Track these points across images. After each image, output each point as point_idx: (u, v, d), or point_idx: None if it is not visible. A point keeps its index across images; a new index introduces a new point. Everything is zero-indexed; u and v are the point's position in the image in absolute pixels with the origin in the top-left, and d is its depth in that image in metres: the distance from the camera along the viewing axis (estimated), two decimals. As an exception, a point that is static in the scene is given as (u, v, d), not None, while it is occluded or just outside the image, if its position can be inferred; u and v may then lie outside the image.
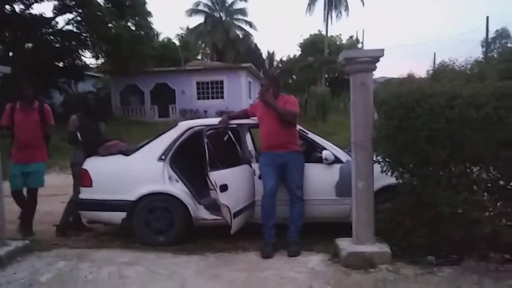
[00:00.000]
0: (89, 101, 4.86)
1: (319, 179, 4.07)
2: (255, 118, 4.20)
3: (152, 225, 4.14)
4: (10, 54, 18.43)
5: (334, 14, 35.21)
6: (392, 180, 3.53)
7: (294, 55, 42.70)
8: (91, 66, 23.58)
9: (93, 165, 4.31)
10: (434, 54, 36.62)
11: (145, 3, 19.98)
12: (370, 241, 3.40)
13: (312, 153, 4.35)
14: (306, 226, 3.92)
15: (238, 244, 3.98)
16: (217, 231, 4.08)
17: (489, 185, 3.31)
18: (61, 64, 20.45)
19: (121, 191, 4.16)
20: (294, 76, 38.54)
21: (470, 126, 3.13)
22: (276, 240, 3.77)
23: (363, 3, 35.65)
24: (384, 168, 3.48)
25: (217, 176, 3.64)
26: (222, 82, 22.59)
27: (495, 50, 38.59)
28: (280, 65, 46.01)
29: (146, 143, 4.48)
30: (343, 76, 32.83)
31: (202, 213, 4.16)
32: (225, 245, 3.98)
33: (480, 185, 3.30)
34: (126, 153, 4.40)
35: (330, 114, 19.93)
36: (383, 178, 3.56)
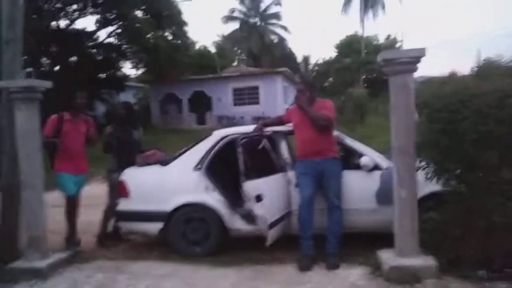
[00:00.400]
0: (118, 111, 4.97)
1: (358, 187, 3.89)
2: (291, 124, 4.10)
3: (188, 236, 4.12)
4: (56, 68, 19.39)
5: (370, 13, 34.47)
6: (437, 187, 3.32)
7: (330, 57, 42.13)
8: (131, 76, 24.41)
9: (131, 175, 4.36)
10: (478, 50, 34.84)
11: (181, 13, 20.41)
12: (414, 253, 3.20)
13: (350, 159, 4.18)
14: (346, 237, 3.75)
15: (275, 255, 3.88)
16: (253, 242, 4.00)
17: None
18: (103, 76, 21.21)
19: (158, 201, 4.17)
20: (331, 79, 37.96)
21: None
22: (314, 252, 3.64)
23: (400, 1, 34.68)
24: (429, 175, 3.28)
25: (251, 186, 3.57)
26: (257, 88, 22.60)
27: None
28: (316, 68, 45.57)
29: (183, 153, 4.49)
30: (381, 77, 32.02)
31: (238, 224, 4.09)
32: (262, 257, 3.88)
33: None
34: (163, 163, 4.42)
35: (368, 116, 19.41)
36: (427, 185, 3.36)
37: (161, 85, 22.90)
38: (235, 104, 22.95)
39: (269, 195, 3.65)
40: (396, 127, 3.25)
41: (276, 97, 22.15)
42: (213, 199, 4.11)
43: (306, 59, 50.11)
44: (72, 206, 4.47)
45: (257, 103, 22.50)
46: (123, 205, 4.31)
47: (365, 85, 31.77)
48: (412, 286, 2.98)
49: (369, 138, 10.39)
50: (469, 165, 3.04)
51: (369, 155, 3.97)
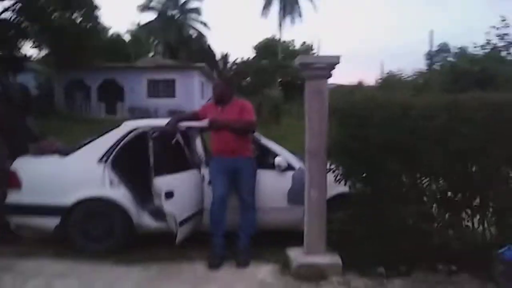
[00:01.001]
0: (12, 93, 4.41)
1: (271, 186, 3.93)
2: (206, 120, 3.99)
3: (89, 232, 3.80)
4: None
5: (288, 19, 35.66)
6: (344, 188, 3.47)
7: (248, 58, 42.80)
8: (33, 58, 22.11)
9: (23, 165, 3.90)
10: (382, 63, 38.11)
11: (92, -5, 19.04)
12: (321, 251, 3.31)
13: (265, 159, 4.21)
14: (257, 235, 3.75)
15: (185, 254, 3.72)
16: (163, 240, 3.82)
17: (438, 196, 3.34)
18: (-1, 53, 18.93)
19: (56, 194, 3.79)
20: (248, 78, 38.54)
21: (423, 137, 3.15)
22: (226, 250, 3.58)
23: (314, 9, 36.43)
24: (338, 177, 3.41)
25: (162, 182, 3.39)
26: (174, 81, 22.06)
27: (436, 63, 40.93)
28: (234, 66, 45.92)
29: (86, 144, 4.13)
30: (296, 81, 33.35)
31: (146, 220, 3.88)
32: (171, 255, 3.71)
33: (430, 197, 3.32)
34: (63, 153, 4.02)
35: (283, 118, 20.07)
36: (336, 187, 3.49)
37: (67, 70, 21.12)
38: (149, 96, 22.12)
39: (180, 191, 3.51)
40: (309, 130, 3.33)
41: (193, 91, 21.85)
42: (119, 193, 3.85)
43: (224, 57, 50.27)
44: None
45: (173, 96, 21.96)
46: (14, 197, 3.83)
47: (280, 87, 32.80)
48: (318, 284, 3.07)
49: (283, 139, 10.69)
50: (374, 169, 3.22)
51: (282, 155, 4.03)
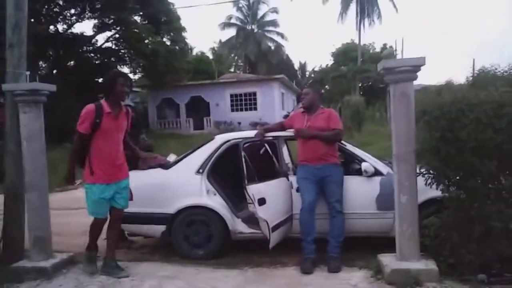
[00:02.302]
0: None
1: (359, 192, 3.96)
2: (292, 130, 4.18)
3: (190, 238, 4.17)
4: (54, 71, 19.41)
5: (366, 22, 34.73)
6: (437, 193, 3.39)
7: (327, 65, 42.48)
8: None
9: (133, 179, 4.40)
10: (473, 60, 35.18)
11: (179, 18, 20.57)
12: (415, 257, 3.26)
13: (351, 165, 4.26)
14: (348, 241, 3.81)
15: (277, 258, 3.92)
16: (255, 245, 4.05)
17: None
18: (100, 80, 21.22)
19: (161, 204, 4.22)
20: (327, 86, 38.24)
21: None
22: (316, 255, 3.69)
23: (396, 10, 35.04)
24: (429, 181, 3.35)
25: (255, 190, 3.63)
26: (255, 94, 22.78)
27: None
28: (312, 75, 45.89)
29: (184, 157, 4.54)
30: (377, 85, 32.30)
31: (240, 227, 4.15)
32: (264, 259, 3.93)
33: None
34: (165, 166, 4.47)
35: (365, 124, 19.63)
36: (427, 191, 3.43)
37: (158, 90, 23.01)
38: (232, 110, 23.10)
39: (271, 198, 3.71)
40: (396, 135, 3.32)
41: (274, 103, 22.32)
42: (215, 202, 4.17)
43: (302, 66, 50.56)
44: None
45: (255, 109, 22.67)
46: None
47: (361, 93, 32.01)
48: (412, 289, 3.04)
49: (367, 145, 10.54)
50: (468, 172, 3.11)
51: (369, 161, 4.04)
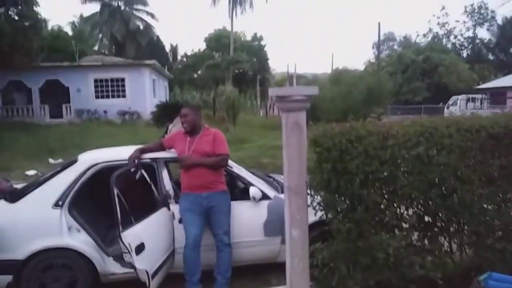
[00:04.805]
0: None
1: (247, 219, 3.73)
2: (173, 151, 3.71)
3: (48, 286, 3.41)
4: None
5: (239, 10, 35.19)
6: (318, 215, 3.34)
7: (199, 50, 42.02)
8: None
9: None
10: (332, 54, 38.80)
11: (30, -11, 17.56)
12: (306, 291, 3.16)
13: (236, 188, 3.99)
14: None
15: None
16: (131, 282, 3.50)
17: (417, 223, 3.30)
18: None
19: (5, 248, 3.34)
20: (199, 72, 37.83)
21: (402, 167, 3.09)
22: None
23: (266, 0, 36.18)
24: (317, 210, 3.27)
25: (131, 237, 3.05)
26: (123, 80, 21.04)
27: (384, 52, 42.51)
28: (184, 59, 44.84)
29: (37, 185, 3.69)
30: (248, 75, 33.22)
31: (112, 267, 3.54)
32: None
33: (411, 225, 3.27)
34: (10, 198, 3.57)
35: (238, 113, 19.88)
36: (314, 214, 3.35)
37: (4, 71, 19.51)
38: (97, 97, 20.98)
39: (150, 241, 3.19)
40: (288, 167, 3.12)
41: (145, 90, 21.00)
42: (79, 241, 3.47)
43: (174, 49, 49.04)
44: None
45: (123, 96, 21.00)
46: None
47: (234, 81, 32.48)
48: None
49: (244, 142, 10.57)
50: (356, 204, 3.10)
51: (256, 185, 3.83)
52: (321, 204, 3.24)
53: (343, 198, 3.14)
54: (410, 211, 3.31)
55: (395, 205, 3.27)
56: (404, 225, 3.29)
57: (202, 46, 41.55)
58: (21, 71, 19.24)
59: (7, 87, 20.70)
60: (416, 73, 33.95)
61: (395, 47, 45.17)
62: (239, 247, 3.65)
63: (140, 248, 3.07)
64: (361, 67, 24.66)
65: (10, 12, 17.35)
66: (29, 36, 17.30)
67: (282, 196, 3.80)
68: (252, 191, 3.72)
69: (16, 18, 17.49)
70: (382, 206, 3.19)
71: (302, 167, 3.12)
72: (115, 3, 37.17)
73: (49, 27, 28.14)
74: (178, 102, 17.84)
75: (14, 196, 3.60)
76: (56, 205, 3.48)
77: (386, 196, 3.20)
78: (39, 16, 18.57)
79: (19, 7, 17.28)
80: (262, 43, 41.16)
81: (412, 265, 3.13)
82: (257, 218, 3.75)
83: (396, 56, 36.18)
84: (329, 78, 21.97)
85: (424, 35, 42.47)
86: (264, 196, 3.80)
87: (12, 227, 3.39)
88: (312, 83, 19.02)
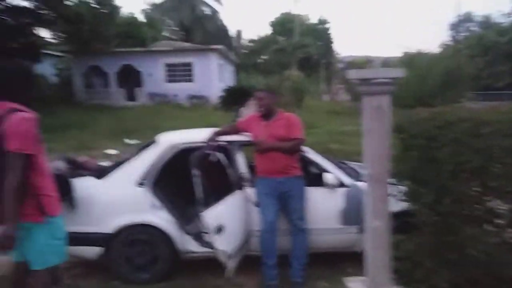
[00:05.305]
0: None
1: (322, 206, 3.66)
2: (248, 134, 3.72)
3: (133, 260, 3.61)
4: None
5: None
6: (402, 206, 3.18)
7: (265, 34, 41.94)
8: (50, 44, 21.89)
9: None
10: (403, 37, 36.68)
11: (107, -22, 18.54)
12: (386, 284, 3.04)
13: (312, 175, 3.92)
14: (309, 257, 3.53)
15: (233, 280, 3.52)
16: (209, 264, 3.61)
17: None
18: (15, 45, 18.74)
19: (96, 222, 3.59)
20: (265, 57, 37.83)
21: (496, 157, 2.82)
22: (278, 281, 3.35)
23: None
24: (402, 197, 3.12)
25: (211, 217, 3.12)
26: (191, 64, 21.58)
27: (460, 34, 39.41)
28: (250, 44, 45.03)
29: (121, 163, 3.90)
30: (313, 59, 32.60)
31: (190, 245, 3.66)
32: (219, 283, 3.52)
33: (507, 221, 3.00)
34: (98, 175, 3.80)
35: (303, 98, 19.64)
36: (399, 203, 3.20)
37: (84, 56, 20.94)
38: (167, 81, 21.78)
39: (229, 222, 3.25)
40: (370, 153, 2.99)
41: (211, 75, 21.41)
42: (161, 218, 3.62)
43: (238, 34, 49.40)
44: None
45: (191, 80, 21.59)
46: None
47: (299, 66, 32.07)
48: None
49: (312, 127, 10.38)
50: (444, 195, 2.90)
51: (332, 172, 3.73)
52: (406, 194, 3.09)
53: (429, 189, 2.96)
54: (505, 206, 3.05)
55: (487, 198, 3.02)
56: (498, 221, 3.03)
57: (267, 31, 41.50)
58: (99, 56, 20.56)
59: (87, 71, 22.18)
60: (498, 56, 31.16)
61: (473, 28, 41.73)
62: (314, 234, 3.59)
63: (219, 229, 3.14)
64: (435, 50, 22.88)
65: (89, 0, 18.45)
66: (106, 22, 18.31)
67: (358, 184, 3.71)
68: (328, 177, 3.63)
69: (95, 6, 18.57)
70: (473, 199, 2.96)
71: (384, 155, 2.98)
72: (182, -10, 38.02)
73: (123, 14, 29.60)
74: (244, 87, 18.05)
75: (101, 173, 3.82)
76: (139, 183, 3.65)
77: (477, 188, 2.97)
78: (115, 4, 19.56)
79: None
80: (327, 26, 40.15)
81: (506, 264, 2.89)
82: (333, 206, 3.66)
83: (476, 38, 33.44)
84: (400, 61, 20.82)
85: (510, 15, 38.63)
86: (340, 183, 3.70)
87: (101, 202, 3.62)
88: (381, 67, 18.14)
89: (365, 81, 2.96)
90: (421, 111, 3.10)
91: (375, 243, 3.03)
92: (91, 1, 18.60)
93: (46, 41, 21.13)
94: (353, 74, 3.02)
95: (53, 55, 24.20)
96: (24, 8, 17.69)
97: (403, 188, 3.11)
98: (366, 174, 3.06)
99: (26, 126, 2.20)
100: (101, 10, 18.58)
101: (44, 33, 19.63)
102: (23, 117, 2.21)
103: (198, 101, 20.20)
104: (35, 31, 19.08)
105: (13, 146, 2.15)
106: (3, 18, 17.79)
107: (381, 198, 3.00)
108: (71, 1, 17.06)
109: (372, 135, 3.00)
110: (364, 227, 3.10)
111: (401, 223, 3.37)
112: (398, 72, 2.92)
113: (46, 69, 21.56)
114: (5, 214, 2.12)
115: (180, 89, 20.91)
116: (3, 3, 17.64)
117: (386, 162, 2.98)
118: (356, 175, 3.94)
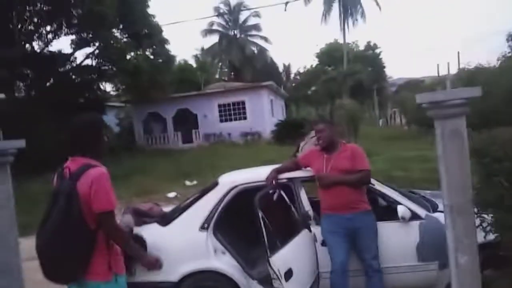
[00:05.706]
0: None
1: (396, 242, 3.36)
2: (309, 169, 3.56)
3: (200, 307, 3.50)
4: (32, 93, 18.46)
5: (350, 21, 34.45)
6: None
7: (311, 66, 42.17)
8: (111, 95, 23.51)
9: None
10: (458, 53, 35.18)
11: (161, 31, 19.73)
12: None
13: (381, 208, 3.65)
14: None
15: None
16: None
17: None
18: (81, 99, 20.28)
19: (161, 270, 3.53)
20: (314, 88, 37.82)
21: None
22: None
23: (379, 8, 34.74)
24: (486, 228, 2.78)
25: (280, 262, 2.94)
26: (244, 103, 22.06)
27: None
28: (298, 77, 45.46)
29: (184, 209, 3.87)
30: (365, 86, 32.00)
31: (256, 289, 3.49)
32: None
33: None
34: (162, 222, 3.79)
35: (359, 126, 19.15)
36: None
37: (143, 104, 22.17)
38: (221, 121, 22.35)
39: (297, 265, 3.05)
40: (448, 182, 2.71)
41: (263, 111, 21.69)
42: (225, 263, 3.50)
43: (287, 68, 50.14)
44: None
45: (244, 118, 21.97)
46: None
47: (350, 94, 31.60)
48: None
49: (371, 155, 9.95)
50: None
51: (404, 203, 3.44)
52: (491, 224, 2.74)
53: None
54: None
55: None
56: None
57: (314, 62, 41.66)
58: (157, 103, 21.64)
59: (146, 118, 23.37)
60: None
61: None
62: (388, 273, 3.29)
63: (289, 274, 2.94)
64: (494, 63, 21.35)
65: (147, 53, 19.68)
66: (163, 71, 19.35)
67: (434, 215, 3.39)
68: (401, 210, 3.34)
69: (152, 57, 19.75)
70: None
71: (466, 182, 2.68)
72: (231, 33, 39.66)
73: (176, 61, 31.28)
74: (296, 119, 17.95)
75: (164, 220, 3.82)
76: (202, 227, 3.59)
77: None
78: (170, 53, 20.69)
79: (154, 47, 19.52)
80: (377, 51, 39.62)
81: None
82: (408, 241, 3.35)
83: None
84: (457, 79, 19.75)
85: None
86: (414, 216, 3.40)
87: (165, 250, 3.57)
88: (436, 86, 17.30)
89: (436, 104, 2.73)
90: (504, 132, 2.79)
91: (462, 280, 2.68)
92: (148, 53, 19.82)
93: (108, 93, 22.74)
94: (422, 97, 2.79)
95: (114, 106, 25.93)
96: (89, 65, 19.22)
97: (486, 217, 2.77)
98: (445, 205, 2.77)
99: (106, 183, 2.21)
100: (158, 60, 19.68)
101: (107, 86, 21.10)
102: (101, 174, 2.21)
103: (251, 137, 20.42)
104: (99, 86, 20.61)
105: (103, 206, 2.17)
106: (71, 76, 19.42)
107: (466, 231, 2.67)
108: (130, 55, 18.24)
109: (450, 161, 2.72)
110: (444, 263, 2.79)
111: (486, 256, 3.01)
112: (474, 92, 2.66)
113: (110, 119, 22.99)
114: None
115: (233, 127, 21.31)
116: (71, 64, 19.35)
117: (469, 191, 2.68)
118: (429, 205, 3.61)
